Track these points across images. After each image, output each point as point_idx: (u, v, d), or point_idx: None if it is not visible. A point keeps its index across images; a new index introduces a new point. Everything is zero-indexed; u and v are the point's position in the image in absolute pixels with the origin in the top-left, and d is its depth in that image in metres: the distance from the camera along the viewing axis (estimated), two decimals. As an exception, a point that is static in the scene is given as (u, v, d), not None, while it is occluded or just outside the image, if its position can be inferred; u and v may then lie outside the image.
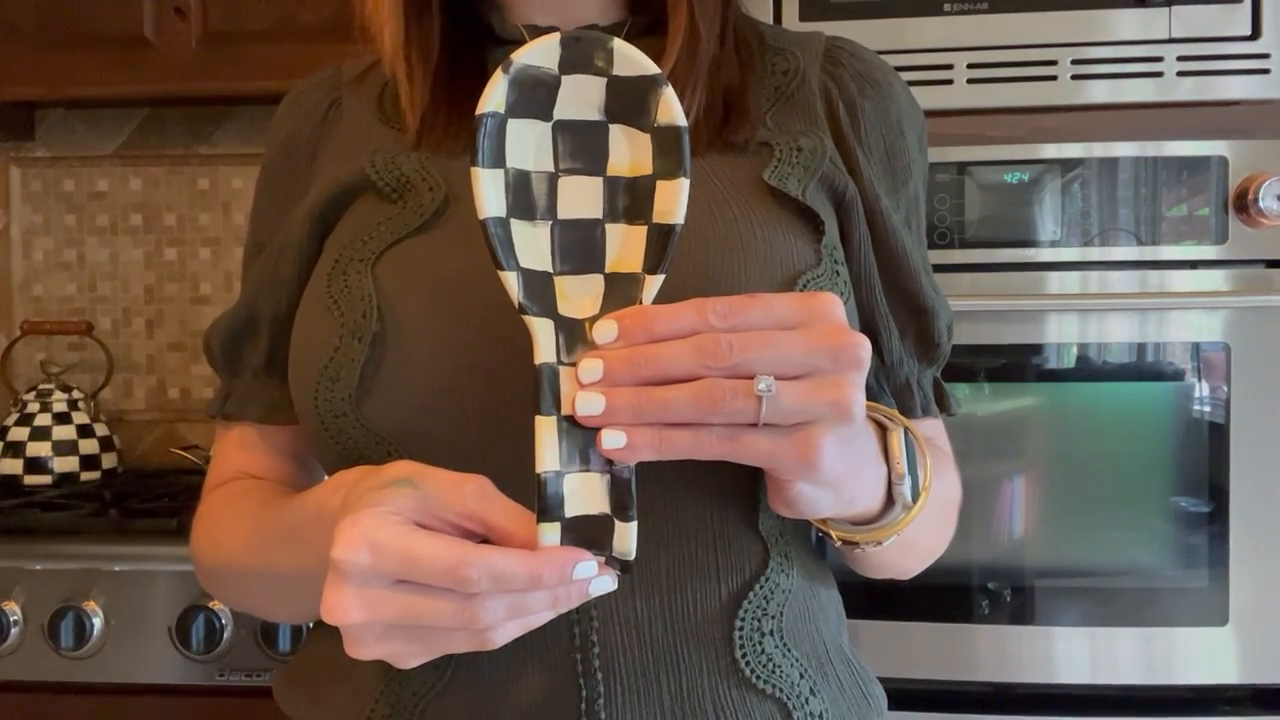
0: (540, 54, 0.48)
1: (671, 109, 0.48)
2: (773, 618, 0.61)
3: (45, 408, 1.67)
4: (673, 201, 0.47)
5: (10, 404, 1.72)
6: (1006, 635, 1.25)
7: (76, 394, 1.72)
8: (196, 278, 1.90)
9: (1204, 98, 1.27)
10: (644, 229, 0.48)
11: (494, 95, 0.48)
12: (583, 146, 0.49)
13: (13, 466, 1.63)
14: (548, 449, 0.45)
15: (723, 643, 0.60)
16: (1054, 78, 1.28)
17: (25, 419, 1.66)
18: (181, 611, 1.29)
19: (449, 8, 0.71)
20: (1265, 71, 1.25)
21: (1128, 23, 1.27)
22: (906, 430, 0.58)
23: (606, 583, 0.46)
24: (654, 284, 0.47)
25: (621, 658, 0.58)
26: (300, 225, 0.67)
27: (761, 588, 0.61)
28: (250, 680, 1.29)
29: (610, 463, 0.45)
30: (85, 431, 1.68)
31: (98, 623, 1.30)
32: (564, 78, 0.48)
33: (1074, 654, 1.25)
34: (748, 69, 0.69)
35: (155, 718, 1.32)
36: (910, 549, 0.65)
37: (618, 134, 0.49)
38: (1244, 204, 1.22)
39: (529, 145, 0.48)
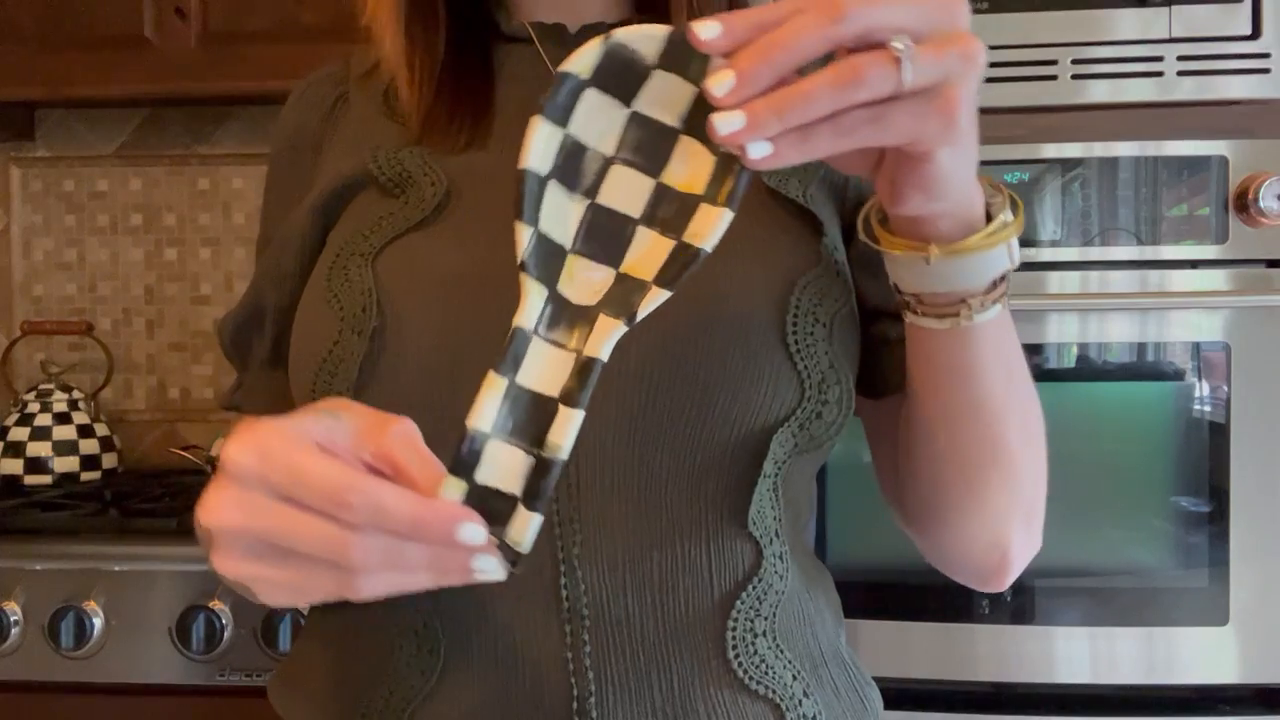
0: (642, 40, 0.46)
1: None
2: (766, 619, 0.61)
3: (45, 408, 1.67)
4: (710, 227, 0.45)
5: (10, 404, 1.72)
6: (1006, 635, 1.25)
7: (77, 394, 1.72)
8: (197, 278, 1.90)
9: (1204, 97, 1.27)
10: (671, 244, 0.46)
11: (583, 59, 0.46)
12: (648, 145, 0.47)
13: (13, 466, 1.63)
14: (486, 407, 0.44)
15: (715, 643, 0.59)
16: (1054, 77, 1.28)
17: (25, 419, 1.66)
18: (181, 611, 1.29)
19: (455, 7, 0.71)
20: (1265, 71, 1.25)
21: (1128, 22, 1.27)
22: None
23: (493, 567, 0.43)
24: (657, 298, 0.46)
25: (613, 657, 0.58)
26: (303, 219, 0.68)
27: (754, 588, 0.60)
28: (250, 680, 1.29)
29: (540, 446, 0.44)
30: (85, 431, 1.68)
31: (98, 623, 1.30)
32: (656, 71, 0.46)
33: (1074, 654, 1.25)
34: None
35: (155, 718, 1.32)
36: (1005, 377, 0.59)
37: (686, 146, 0.47)
38: (1244, 204, 1.22)
39: (598, 121, 0.47)
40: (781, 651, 0.61)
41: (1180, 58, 1.26)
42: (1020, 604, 1.25)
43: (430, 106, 0.68)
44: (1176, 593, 1.24)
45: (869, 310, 0.67)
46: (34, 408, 1.67)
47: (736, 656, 0.59)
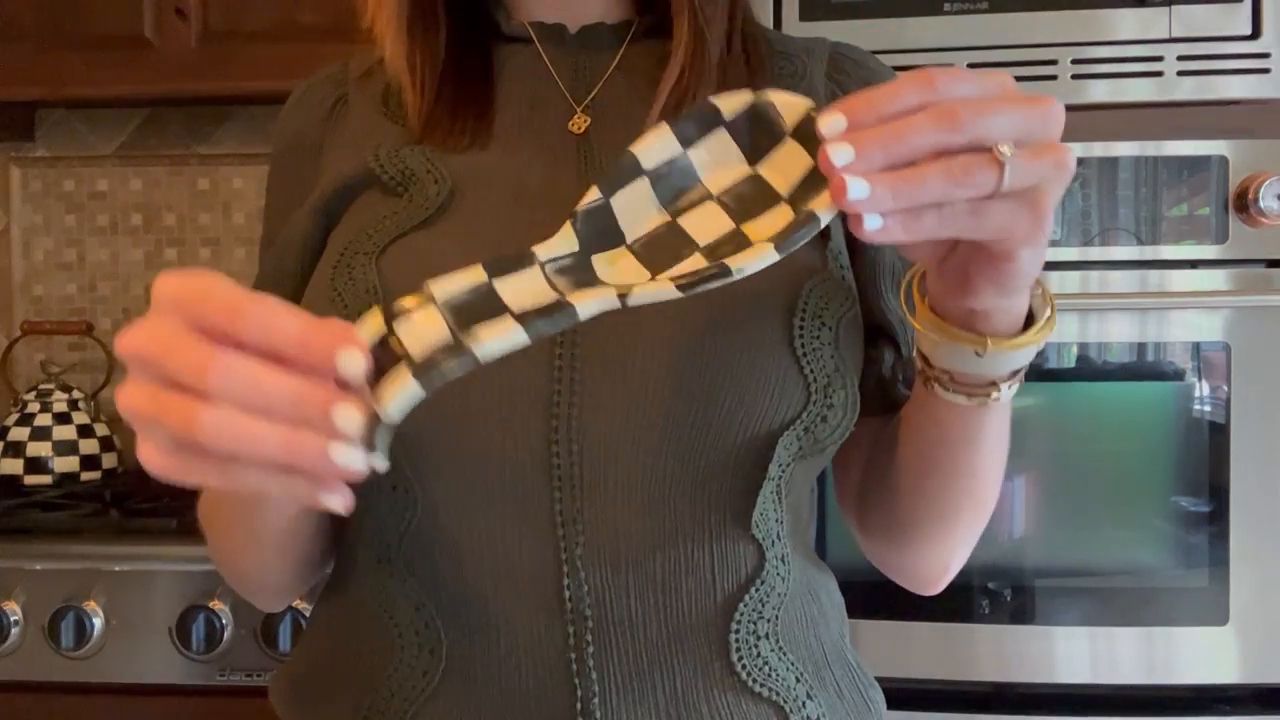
0: (788, 107, 0.49)
1: (828, 204, 0.47)
2: (769, 621, 0.61)
3: (45, 408, 1.67)
4: (750, 258, 0.46)
5: (10, 404, 1.72)
6: (1006, 635, 1.25)
7: (77, 394, 1.71)
8: (197, 278, 1.90)
9: (1204, 97, 1.27)
10: (704, 262, 0.47)
11: (731, 101, 0.49)
12: (751, 199, 0.49)
13: (13, 466, 1.63)
14: (451, 284, 0.44)
15: (718, 645, 0.59)
16: (1054, 77, 1.28)
17: (25, 419, 1.66)
18: (182, 611, 1.29)
19: (455, 8, 0.71)
20: (1265, 71, 1.25)
21: (1128, 22, 1.27)
22: None
23: (347, 455, 0.38)
24: (661, 291, 0.46)
25: (616, 658, 0.58)
26: (305, 220, 0.68)
27: (757, 590, 0.60)
28: (250, 680, 1.29)
29: (465, 331, 0.42)
30: (85, 431, 1.68)
31: (98, 623, 1.30)
32: (789, 139, 0.49)
33: (1074, 654, 1.25)
34: (756, 73, 0.69)
35: (155, 718, 1.32)
36: (1003, 441, 0.64)
37: (780, 208, 0.49)
38: (1244, 203, 1.22)
39: (718, 161, 0.49)
40: (784, 654, 0.61)
41: (1180, 58, 1.26)
42: (1020, 604, 1.25)
43: (432, 107, 0.68)
44: (1176, 593, 1.24)
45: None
46: (34, 408, 1.67)
47: (739, 659, 0.59)
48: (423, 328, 0.43)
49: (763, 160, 0.49)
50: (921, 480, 0.65)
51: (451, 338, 0.43)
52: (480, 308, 0.44)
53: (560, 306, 0.45)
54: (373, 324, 0.43)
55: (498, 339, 0.43)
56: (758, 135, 0.49)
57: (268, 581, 0.69)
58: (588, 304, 0.45)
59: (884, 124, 0.44)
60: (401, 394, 0.41)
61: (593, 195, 0.48)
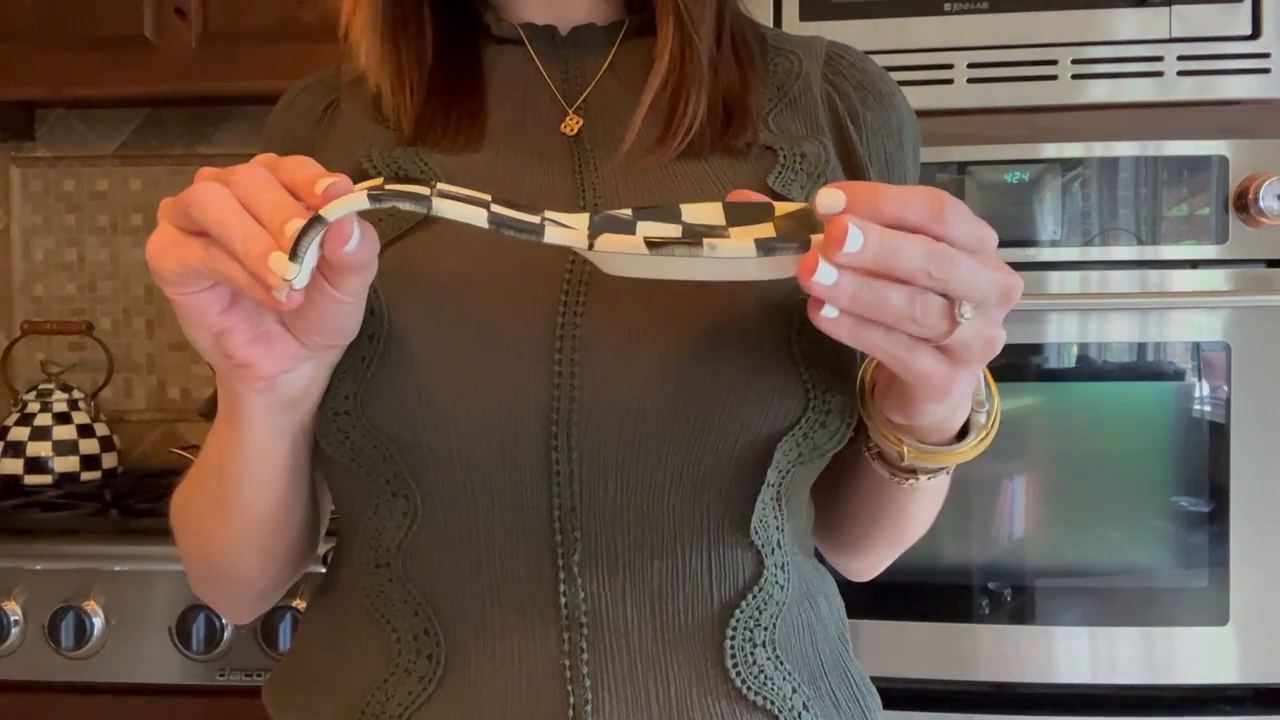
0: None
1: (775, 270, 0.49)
2: (765, 629, 0.60)
3: (45, 408, 1.67)
4: (726, 245, 0.47)
5: (10, 404, 1.72)
6: (1006, 635, 1.25)
7: (77, 394, 1.72)
8: (196, 278, 1.90)
9: (1204, 97, 1.27)
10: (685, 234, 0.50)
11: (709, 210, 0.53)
12: (745, 211, 0.53)
13: (13, 466, 1.63)
14: (461, 190, 0.48)
15: (713, 653, 0.59)
16: (1054, 77, 1.28)
17: (25, 419, 1.66)
18: (181, 611, 1.29)
19: (443, 9, 0.71)
20: (1265, 71, 1.25)
21: (1128, 22, 1.27)
22: None
23: (277, 262, 0.46)
24: (626, 245, 0.48)
25: (610, 665, 0.58)
26: None
27: (754, 598, 0.60)
28: (250, 680, 1.29)
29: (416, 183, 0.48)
30: (85, 431, 1.68)
31: (98, 623, 1.30)
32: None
33: (1074, 654, 1.25)
34: (748, 69, 0.69)
35: (155, 718, 1.32)
36: (939, 495, 0.69)
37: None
38: (1244, 203, 1.22)
39: (702, 216, 0.53)
40: (781, 663, 0.61)
41: (1180, 58, 1.26)
42: (1020, 604, 1.25)
43: (421, 109, 0.68)
44: (1176, 593, 1.24)
45: None
46: (34, 408, 1.67)
47: (735, 666, 0.59)
48: (405, 186, 0.47)
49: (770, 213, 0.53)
50: (855, 509, 0.70)
51: (424, 191, 0.47)
52: (464, 198, 0.48)
53: (529, 224, 0.48)
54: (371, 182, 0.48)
55: (457, 209, 0.47)
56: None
57: (238, 573, 0.67)
58: (555, 232, 0.48)
59: (881, 225, 0.45)
60: (347, 201, 0.46)
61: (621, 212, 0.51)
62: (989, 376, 0.59)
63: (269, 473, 0.60)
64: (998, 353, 0.50)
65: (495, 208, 0.48)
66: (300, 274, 0.46)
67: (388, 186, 0.47)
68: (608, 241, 0.48)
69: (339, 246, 0.47)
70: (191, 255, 0.48)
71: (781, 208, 0.53)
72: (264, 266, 0.45)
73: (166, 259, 0.49)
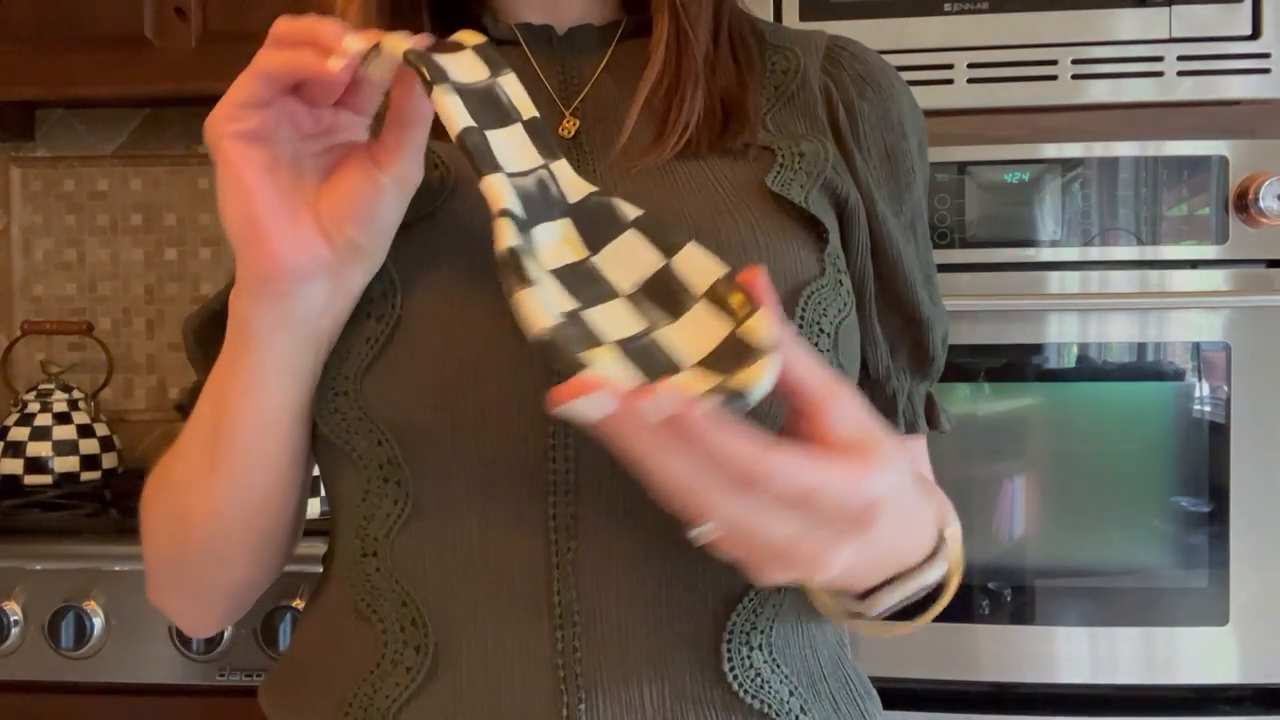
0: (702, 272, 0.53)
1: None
2: (762, 632, 0.60)
3: (45, 408, 1.67)
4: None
5: (10, 404, 1.72)
6: (1007, 635, 1.25)
7: (77, 394, 1.72)
8: (197, 278, 1.90)
9: (1204, 97, 1.27)
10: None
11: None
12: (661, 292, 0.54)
13: (13, 466, 1.63)
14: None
15: (710, 655, 0.59)
16: (1054, 77, 1.28)
17: (25, 419, 1.66)
18: (182, 611, 1.29)
19: (439, 9, 0.70)
20: (1265, 71, 1.25)
21: (1128, 22, 1.27)
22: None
23: (358, 42, 0.54)
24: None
25: (605, 665, 0.57)
26: None
27: (751, 600, 0.60)
28: (250, 680, 1.29)
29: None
30: (85, 431, 1.68)
31: (98, 623, 1.30)
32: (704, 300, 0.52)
33: (1074, 654, 1.25)
34: (746, 68, 0.68)
35: (155, 718, 1.32)
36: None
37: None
38: (1244, 204, 1.22)
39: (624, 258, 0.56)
40: (778, 665, 0.61)
41: (1180, 58, 1.26)
42: (1020, 604, 1.25)
43: None
44: (1176, 593, 1.24)
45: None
46: (34, 408, 1.67)
47: (731, 669, 0.59)
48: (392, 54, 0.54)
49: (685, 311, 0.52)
50: None
51: (488, 74, 0.57)
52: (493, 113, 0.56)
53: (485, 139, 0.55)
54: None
55: (513, 93, 0.58)
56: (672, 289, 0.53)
57: (216, 554, 0.65)
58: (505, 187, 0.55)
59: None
60: (398, 45, 0.53)
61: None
62: (958, 551, 0.60)
63: (269, 415, 0.59)
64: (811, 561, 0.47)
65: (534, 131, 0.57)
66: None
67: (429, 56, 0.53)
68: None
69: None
70: (263, 59, 0.55)
71: (702, 279, 0.51)
72: (337, 40, 0.52)
73: (237, 88, 0.56)
